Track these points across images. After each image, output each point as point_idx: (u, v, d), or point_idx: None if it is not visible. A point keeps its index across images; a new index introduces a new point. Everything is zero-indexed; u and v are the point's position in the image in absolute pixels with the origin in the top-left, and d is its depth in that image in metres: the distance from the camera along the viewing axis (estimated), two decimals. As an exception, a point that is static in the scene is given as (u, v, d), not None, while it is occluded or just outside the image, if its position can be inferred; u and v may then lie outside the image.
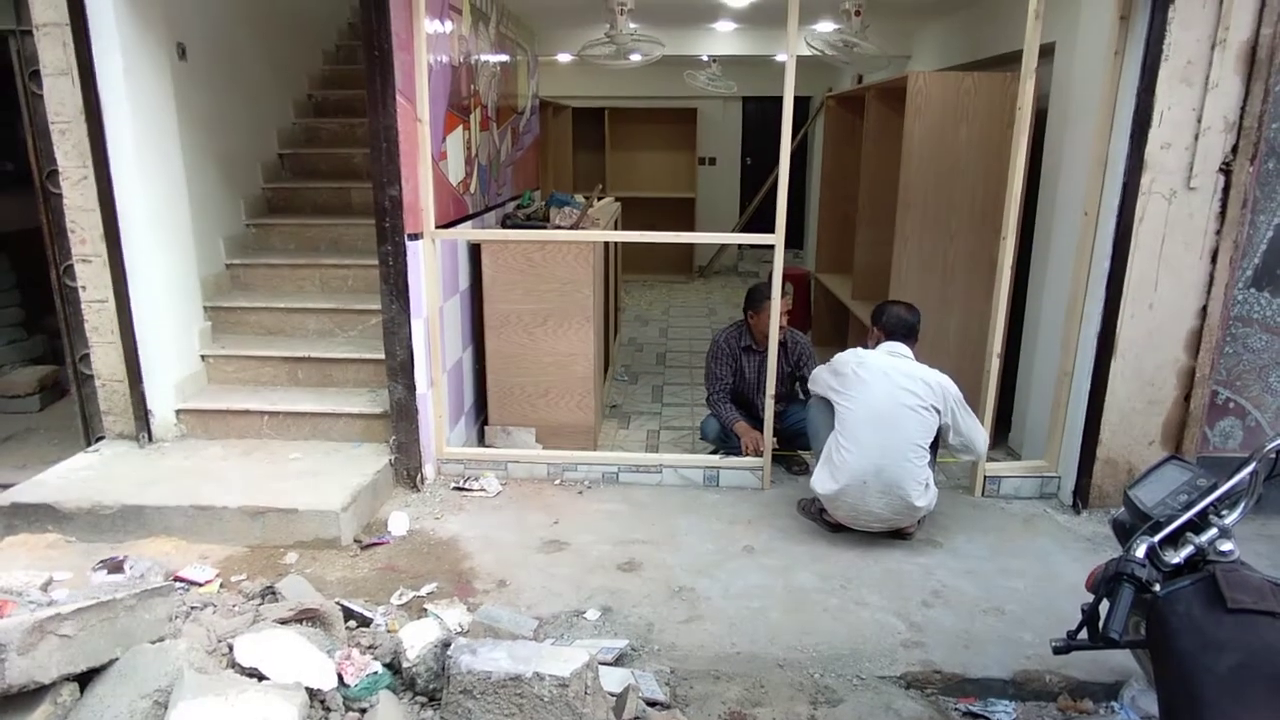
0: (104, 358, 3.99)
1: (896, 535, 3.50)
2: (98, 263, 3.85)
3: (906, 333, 3.56)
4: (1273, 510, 3.62)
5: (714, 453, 4.28)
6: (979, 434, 3.49)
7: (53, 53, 3.63)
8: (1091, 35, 3.78)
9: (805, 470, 4.24)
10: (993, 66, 4.96)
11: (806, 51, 6.05)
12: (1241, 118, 3.33)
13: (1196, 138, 3.36)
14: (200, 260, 4.32)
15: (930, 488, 3.39)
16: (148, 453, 3.93)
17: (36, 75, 3.76)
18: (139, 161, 3.73)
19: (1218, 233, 3.46)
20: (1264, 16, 3.22)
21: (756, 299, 4.07)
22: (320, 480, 3.63)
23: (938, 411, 3.36)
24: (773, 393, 3.95)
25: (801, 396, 4.29)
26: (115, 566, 3.09)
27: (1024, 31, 3.53)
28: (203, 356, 4.26)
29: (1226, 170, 3.39)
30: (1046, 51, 4.18)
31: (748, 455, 3.99)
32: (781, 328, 3.98)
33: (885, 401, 3.34)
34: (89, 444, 4.18)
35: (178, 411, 4.05)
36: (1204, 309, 3.55)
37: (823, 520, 3.59)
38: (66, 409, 4.93)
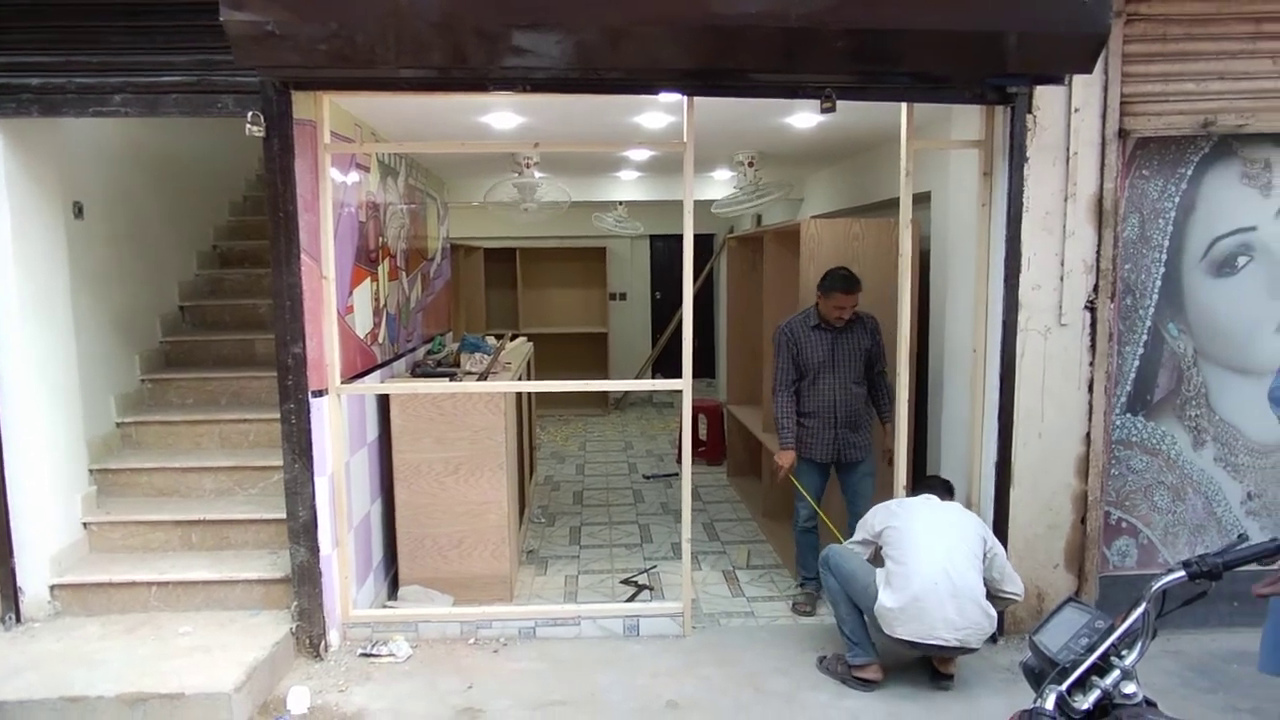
0: (-29, 532, 3.68)
1: (939, 676, 3.40)
2: (-29, 431, 3.61)
3: (944, 491, 3.59)
4: (1174, 626, 3.73)
5: (631, 598, 4.17)
6: (1014, 572, 3.39)
7: (-64, 217, 3.51)
8: (961, 187, 4.12)
9: (811, 611, 4.15)
10: (880, 209, 5.33)
11: (707, 197, 6.43)
12: (1098, 261, 3.66)
13: (1062, 279, 3.66)
14: (88, 421, 4.10)
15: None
16: (14, 636, 3.58)
17: (-84, 239, 3.61)
18: (23, 324, 3.58)
19: (1091, 364, 3.73)
20: (1104, 174, 3.60)
21: (826, 285, 4.08)
22: (212, 656, 3.36)
23: (983, 540, 3.30)
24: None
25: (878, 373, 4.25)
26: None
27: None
28: (85, 524, 3.98)
29: (1091, 308, 3.68)
30: (924, 198, 4.54)
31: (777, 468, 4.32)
32: (854, 309, 4.11)
33: (932, 520, 3.33)
34: (-54, 629, 3.79)
35: (52, 587, 3.72)
36: (1088, 435, 3.76)
37: (854, 679, 3.41)
38: (-76, 587, 4.48)
